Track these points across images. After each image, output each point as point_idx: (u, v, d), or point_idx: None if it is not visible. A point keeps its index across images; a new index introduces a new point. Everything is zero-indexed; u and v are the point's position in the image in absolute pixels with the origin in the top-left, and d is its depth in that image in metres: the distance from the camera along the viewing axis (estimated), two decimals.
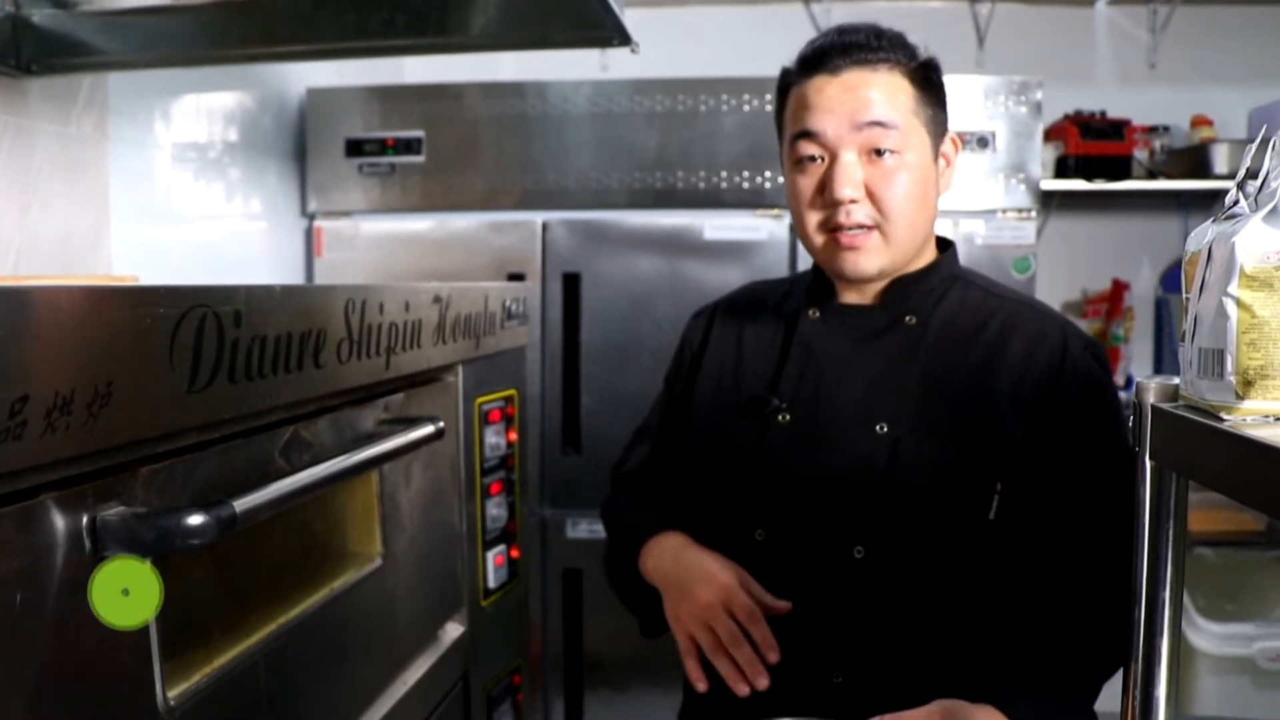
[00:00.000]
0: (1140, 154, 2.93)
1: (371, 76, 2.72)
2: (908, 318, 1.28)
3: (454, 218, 2.53)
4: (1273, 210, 0.62)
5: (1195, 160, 2.82)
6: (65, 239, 1.78)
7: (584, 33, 1.44)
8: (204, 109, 2.25)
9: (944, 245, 1.36)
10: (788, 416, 1.28)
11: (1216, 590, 2.58)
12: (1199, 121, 2.99)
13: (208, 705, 0.74)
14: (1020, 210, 2.40)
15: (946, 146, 1.30)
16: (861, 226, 1.22)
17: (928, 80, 1.25)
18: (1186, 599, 2.55)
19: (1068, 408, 1.22)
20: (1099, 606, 1.18)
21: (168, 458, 0.69)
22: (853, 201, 1.21)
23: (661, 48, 3.11)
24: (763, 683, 1.18)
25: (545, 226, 2.46)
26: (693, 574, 1.26)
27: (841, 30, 1.25)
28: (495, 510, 1.37)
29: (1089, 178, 2.79)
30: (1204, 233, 0.68)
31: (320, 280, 2.58)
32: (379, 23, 1.48)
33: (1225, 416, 0.62)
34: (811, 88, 1.23)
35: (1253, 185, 0.65)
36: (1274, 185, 0.62)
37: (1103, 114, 2.88)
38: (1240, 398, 0.61)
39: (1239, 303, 0.61)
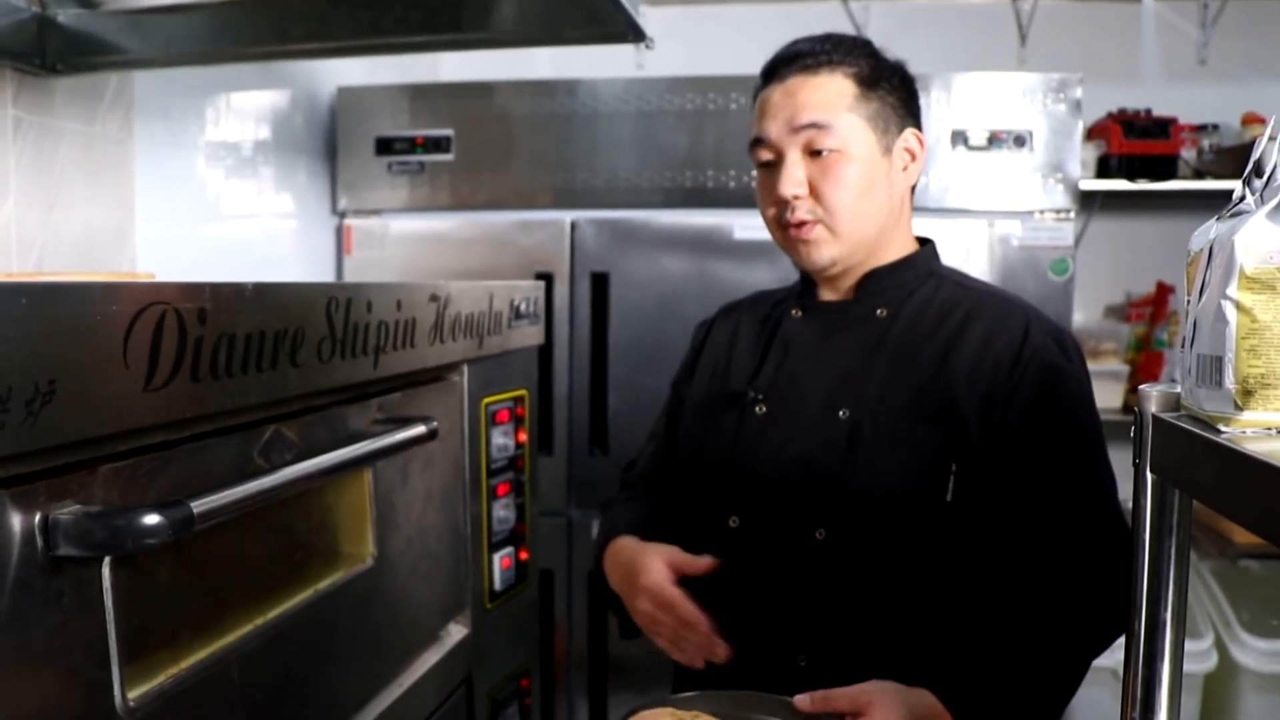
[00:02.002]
0: (1188, 153, 2.84)
1: (405, 75, 2.72)
2: (879, 310, 1.32)
3: (483, 216, 2.52)
4: (1277, 207, 0.58)
5: (1246, 159, 2.71)
6: (89, 237, 1.80)
7: (598, 28, 1.42)
8: (235, 108, 2.26)
9: (923, 243, 1.40)
10: (763, 408, 1.33)
11: (1261, 604, 2.49)
12: (1251, 119, 2.89)
13: (173, 706, 0.73)
14: (1058, 211, 2.34)
15: (909, 142, 1.34)
16: (804, 222, 1.29)
17: (873, 78, 1.30)
18: (1230, 613, 2.47)
19: (1025, 394, 1.24)
20: (1052, 596, 1.19)
21: (129, 456, 0.68)
22: (796, 198, 1.28)
23: (695, 46, 3.09)
24: (720, 653, 1.24)
25: (574, 225, 2.45)
26: (630, 581, 1.34)
27: (794, 42, 1.35)
28: (503, 512, 1.36)
29: (1132, 178, 2.71)
30: (1208, 231, 0.64)
31: (350, 278, 2.58)
32: (393, 20, 1.47)
33: (1224, 428, 0.58)
34: (763, 96, 1.33)
35: (1259, 181, 0.61)
36: (1279, 179, 0.58)
37: (1148, 112, 2.79)
38: (1239, 408, 0.57)
39: (1239, 306, 0.57)
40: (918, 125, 1.35)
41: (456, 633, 1.27)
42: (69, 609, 0.64)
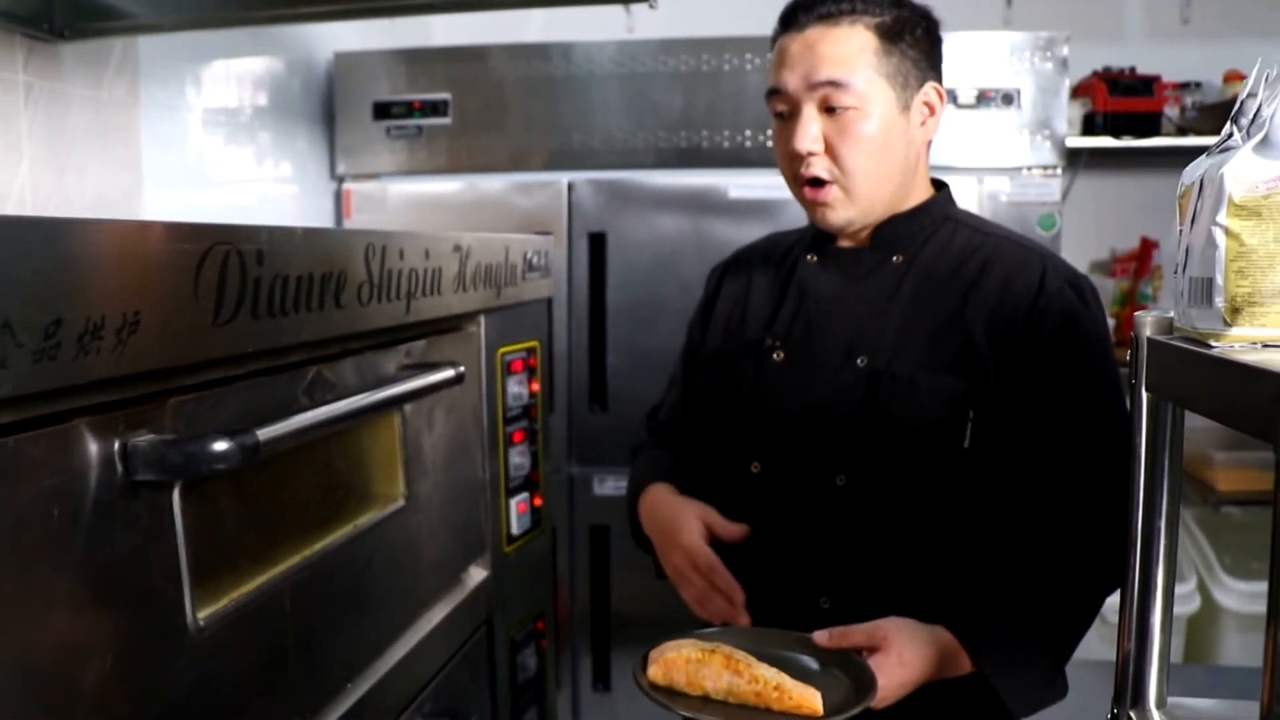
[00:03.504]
0: (1171, 110, 2.90)
1: (398, 40, 2.74)
2: (895, 257, 1.33)
3: (481, 179, 2.56)
4: (1263, 140, 0.63)
5: (1228, 116, 2.77)
6: (99, 200, 1.82)
7: None
8: (233, 73, 2.28)
9: (939, 186, 1.39)
10: (781, 355, 1.34)
11: (1243, 549, 2.58)
12: (1233, 77, 2.95)
13: (236, 627, 0.78)
14: (1045, 167, 2.39)
15: (927, 96, 1.32)
16: (819, 181, 1.28)
17: (896, 31, 1.27)
18: (1213, 557, 2.55)
19: (1043, 339, 1.24)
20: (1069, 538, 1.22)
21: (194, 390, 0.72)
22: (811, 154, 1.27)
23: (686, 7, 3.09)
24: (743, 620, 1.28)
25: (571, 187, 2.48)
26: (664, 533, 1.36)
27: None
28: (518, 459, 1.41)
29: (1117, 135, 2.77)
30: (1198, 167, 0.69)
31: None
32: None
33: (1214, 344, 0.64)
34: (781, 44, 1.30)
35: (1245, 120, 0.66)
36: (1265, 115, 0.63)
37: (1132, 70, 2.84)
38: (1229, 325, 0.62)
39: (1228, 231, 0.62)
40: (939, 78, 1.33)
41: (477, 574, 1.32)
42: (146, 531, 0.68)
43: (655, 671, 1.13)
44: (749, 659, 1.09)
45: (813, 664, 1.15)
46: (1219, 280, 0.63)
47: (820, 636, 1.17)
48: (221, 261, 0.68)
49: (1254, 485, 2.61)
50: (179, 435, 0.69)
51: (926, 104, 1.32)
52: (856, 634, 1.16)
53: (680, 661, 1.11)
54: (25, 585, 0.58)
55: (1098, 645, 2.38)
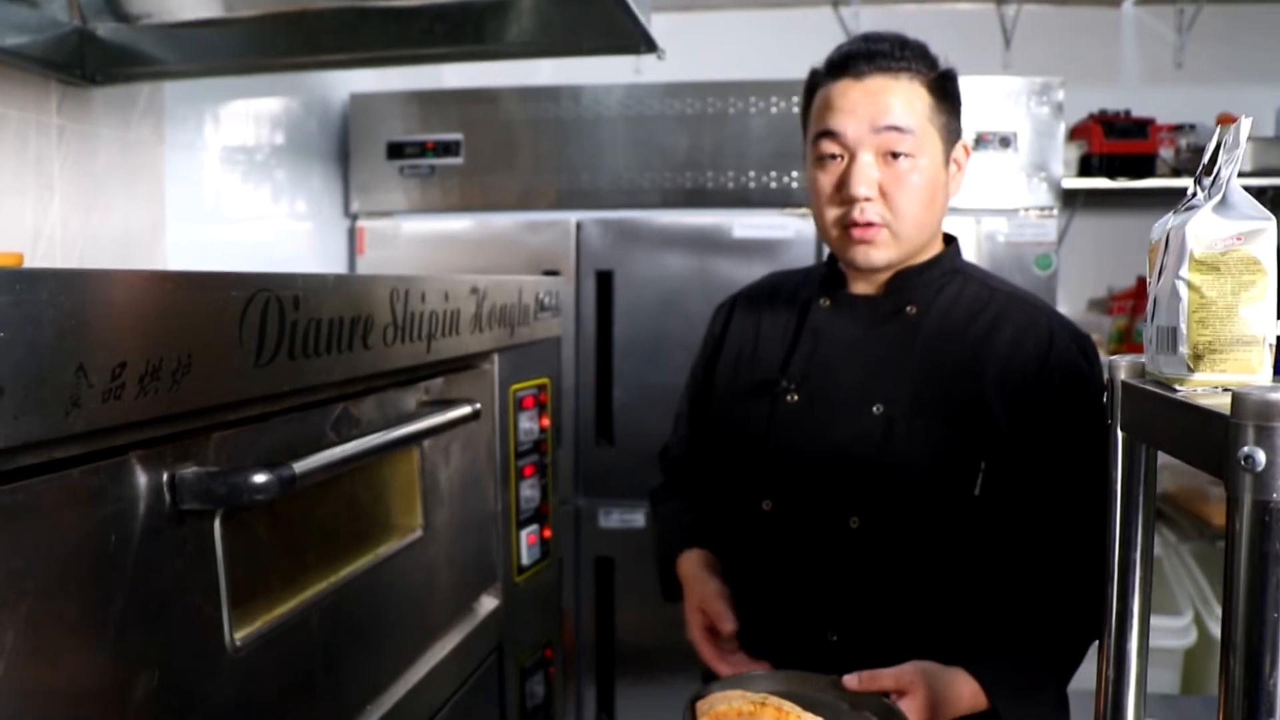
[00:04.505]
0: (1165, 152, 2.96)
1: (412, 82, 2.82)
2: (909, 308, 1.37)
3: (491, 217, 2.63)
4: (1221, 200, 0.68)
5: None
6: (125, 237, 1.89)
7: (613, 40, 1.52)
8: (252, 114, 2.35)
9: (948, 240, 1.44)
10: (795, 397, 1.38)
11: None
12: (1225, 120, 3.01)
13: (268, 648, 0.83)
14: (1042, 208, 2.46)
15: (958, 153, 1.39)
16: (872, 224, 1.31)
17: (944, 90, 1.34)
18: (1209, 591, 2.58)
19: (1050, 395, 1.30)
20: (1073, 581, 1.27)
21: (234, 425, 0.78)
22: (867, 200, 1.30)
23: (692, 52, 3.18)
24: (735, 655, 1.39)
25: (579, 226, 2.55)
26: (687, 602, 1.47)
27: (867, 38, 1.34)
28: (529, 491, 1.46)
29: (1113, 176, 2.83)
30: (1166, 222, 0.74)
31: None
32: (419, 32, 1.57)
33: (1179, 387, 0.69)
34: (836, 90, 1.33)
35: (1208, 180, 0.72)
36: (1223, 177, 0.69)
37: (1127, 113, 2.91)
38: (1191, 370, 0.68)
39: (1189, 285, 0.68)
40: (960, 136, 1.39)
41: (489, 603, 1.36)
42: (190, 556, 0.73)
43: None
44: (797, 710, 1.13)
45: (845, 707, 1.20)
46: (1183, 329, 0.68)
47: (850, 681, 1.21)
48: (263, 307, 0.74)
49: None
50: (222, 468, 0.74)
51: (955, 160, 1.38)
52: (884, 678, 1.21)
53: (732, 715, 1.14)
54: (86, 605, 0.63)
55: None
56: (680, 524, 1.54)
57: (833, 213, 1.34)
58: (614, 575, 2.58)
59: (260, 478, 0.73)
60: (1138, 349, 2.74)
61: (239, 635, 0.79)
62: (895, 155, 1.30)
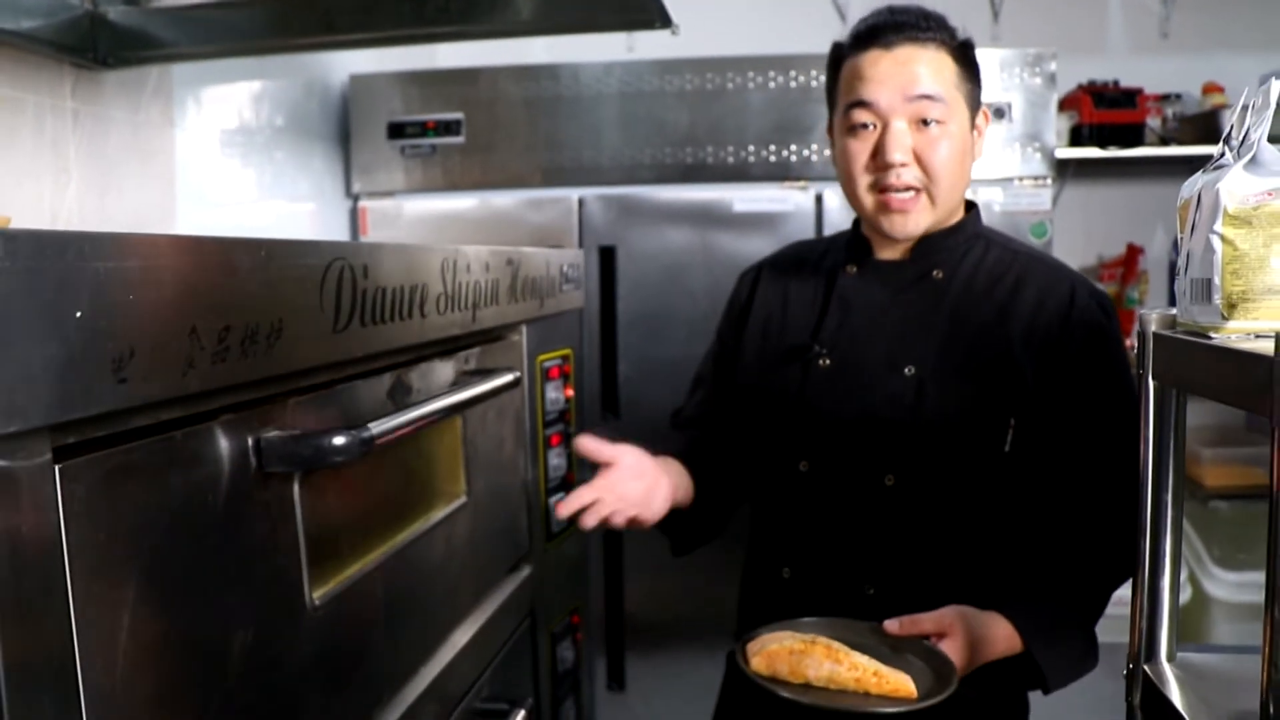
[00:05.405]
0: (1153, 121, 3.01)
1: (407, 62, 2.83)
2: (935, 272, 1.42)
3: (493, 195, 2.65)
4: (1252, 159, 0.72)
5: (1207, 126, 2.90)
6: (137, 219, 1.91)
7: (627, 15, 1.54)
8: (252, 95, 2.36)
9: (969, 206, 1.49)
10: (827, 361, 1.42)
11: (1231, 541, 2.68)
12: (1210, 89, 3.07)
13: (341, 606, 0.86)
14: (1036, 178, 2.50)
15: (979, 119, 1.44)
16: (910, 189, 1.36)
17: (966, 58, 1.40)
18: (1202, 549, 2.66)
19: (1073, 351, 1.36)
20: (1101, 528, 1.33)
21: (309, 391, 0.81)
22: (903, 165, 1.34)
23: (689, 28, 3.20)
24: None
25: (581, 202, 2.58)
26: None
27: (893, 10, 1.39)
28: (556, 460, 1.49)
29: (1103, 145, 2.88)
30: (1195, 182, 0.78)
31: None
32: (435, 9, 1.59)
33: (1214, 335, 0.73)
34: (866, 61, 1.36)
35: (1235, 140, 0.76)
36: (1254, 137, 0.73)
37: (1115, 83, 2.96)
38: (1226, 318, 0.72)
39: (1223, 238, 0.72)
40: (981, 103, 1.44)
41: (523, 569, 1.40)
42: (274, 517, 0.77)
43: (759, 662, 1.21)
44: (846, 649, 1.19)
45: (887, 650, 1.24)
46: (1216, 280, 0.72)
47: (891, 625, 1.26)
48: (339, 275, 0.77)
49: (1241, 480, 2.72)
50: (302, 431, 0.77)
51: (978, 127, 1.43)
52: (925, 622, 1.26)
53: (784, 653, 1.19)
54: (188, 564, 0.66)
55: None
56: (667, 446, 1.51)
57: (866, 179, 1.38)
58: (622, 547, 2.61)
59: (340, 440, 0.76)
60: (1128, 316, 2.80)
61: (317, 594, 0.82)
62: (926, 123, 1.34)
